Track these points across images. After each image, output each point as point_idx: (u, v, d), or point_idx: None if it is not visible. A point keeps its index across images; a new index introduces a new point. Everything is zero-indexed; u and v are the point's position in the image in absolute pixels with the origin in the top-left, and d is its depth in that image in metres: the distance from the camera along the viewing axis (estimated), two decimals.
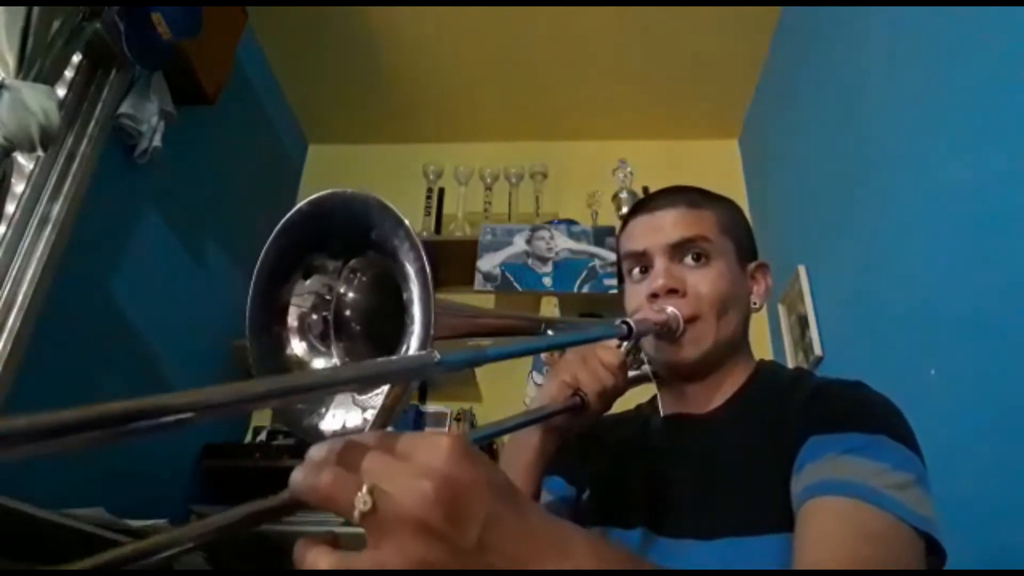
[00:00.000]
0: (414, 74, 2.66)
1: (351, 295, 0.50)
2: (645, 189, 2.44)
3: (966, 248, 1.22)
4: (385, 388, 0.43)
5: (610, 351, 0.71)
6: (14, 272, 1.51)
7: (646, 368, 0.83)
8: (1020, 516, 1.01)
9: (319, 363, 0.49)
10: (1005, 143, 1.11)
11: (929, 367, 1.28)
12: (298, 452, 1.95)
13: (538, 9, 2.35)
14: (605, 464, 0.84)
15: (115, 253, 1.80)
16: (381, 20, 2.44)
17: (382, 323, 0.47)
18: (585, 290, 2.26)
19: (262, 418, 2.31)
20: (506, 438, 1.02)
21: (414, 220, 2.51)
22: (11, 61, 1.39)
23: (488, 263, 2.31)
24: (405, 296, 0.43)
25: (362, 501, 0.32)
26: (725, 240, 0.82)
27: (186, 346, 2.07)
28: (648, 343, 0.81)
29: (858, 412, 0.66)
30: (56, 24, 1.47)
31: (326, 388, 0.39)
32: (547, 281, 2.28)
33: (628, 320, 0.70)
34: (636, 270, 0.83)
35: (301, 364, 0.48)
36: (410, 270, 0.43)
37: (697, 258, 0.79)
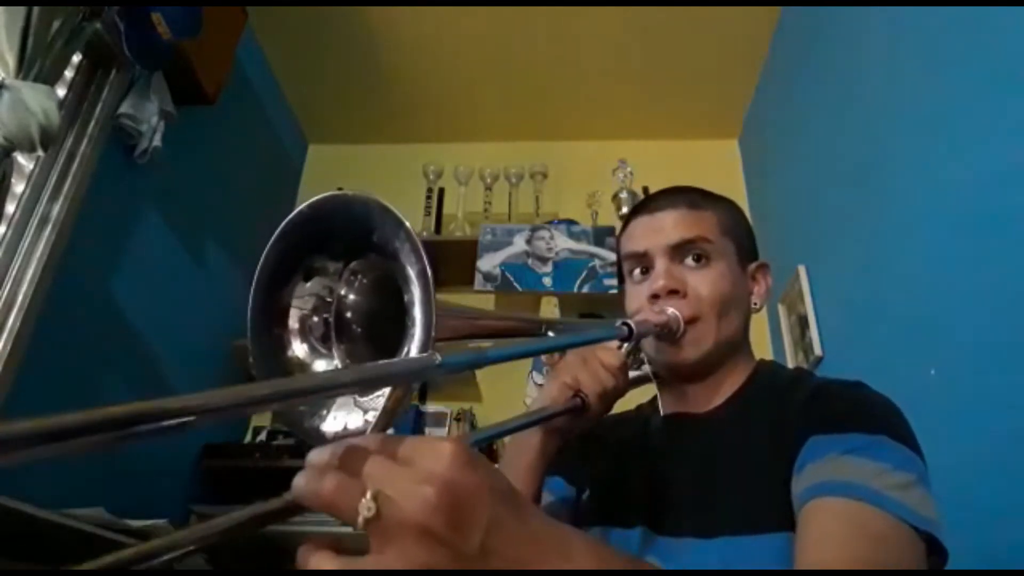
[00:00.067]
0: (414, 74, 2.66)
1: (352, 297, 0.50)
2: (645, 189, 2.44)
3: (966, 248, 1.22)
4: (386, 390, 0.43)
5: (611, 352, 0.71)
6: (14, 272, 1.51)
7: (646, 368, 0.83)
8: (1020, 516, 1.01)
9: (320, 365, 0.49)
10: (1005, 143, 1.11)
11: (929, 367, 1.28)
12: (298, 452, 1.95)
13: (538, 9, 2.34)
14: (605, 464, 0.84)
15: (115, 253, 1.80)
16: (381, 20, 2.44)
17: (383, 325, 0.47)
18: (585, 290, 2.26)
19: (262, 418, 2.31)
20: (507, 439, 1.02)
21: (414, 220, 2.51)
22: (11, 61, 1.38)
23: (488, 263, 2.31)
24: (406, 298, 0.43)
25: (366, 507, 0.32)
26: (726, 241, 0.82)
27: (186, 346, 2.07)
28: (648, 344, 0.81)
29: (859, 412, 0.66)
30: (56, 24, 1.47)
31: (327, 391, 0.39)
32: (547, 281, 2.28)
33: (629, 321, 0.70)
34: (637, 271, 0.83)
35: (302, 366, 0.48)
36: (411, 272, 0.43)
37: (698, 259, 0.80)
